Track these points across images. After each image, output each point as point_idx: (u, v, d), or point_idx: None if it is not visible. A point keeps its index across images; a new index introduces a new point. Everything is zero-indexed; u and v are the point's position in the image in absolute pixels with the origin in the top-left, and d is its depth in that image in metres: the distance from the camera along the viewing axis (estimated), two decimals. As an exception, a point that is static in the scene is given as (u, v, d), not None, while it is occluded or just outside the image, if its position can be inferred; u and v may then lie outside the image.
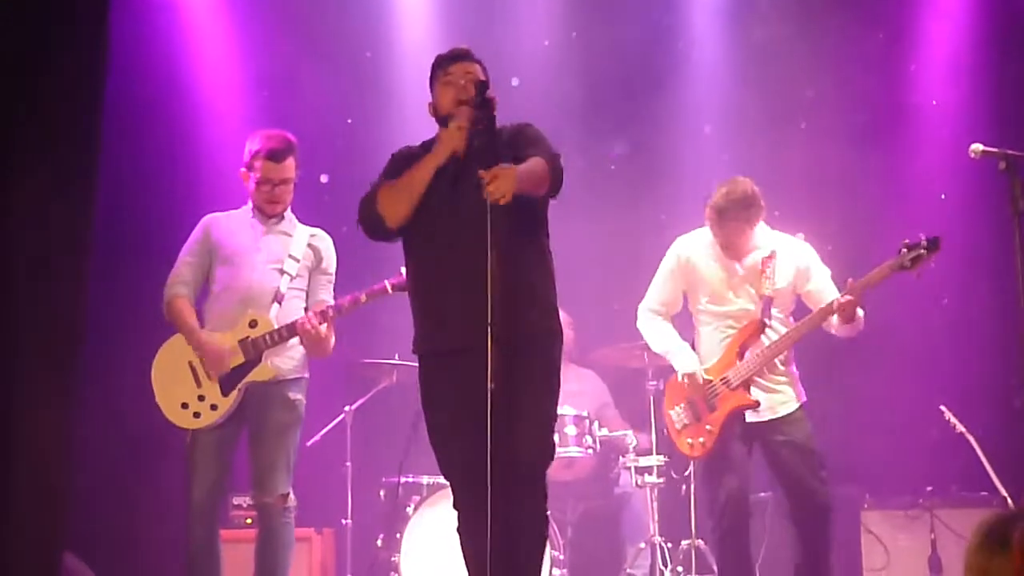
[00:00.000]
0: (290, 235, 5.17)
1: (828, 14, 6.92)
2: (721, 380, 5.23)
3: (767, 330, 5.24)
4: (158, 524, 5.98)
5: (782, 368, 5.27)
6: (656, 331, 5.48)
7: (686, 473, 5.57)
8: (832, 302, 5.10)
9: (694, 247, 5.41)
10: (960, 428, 5.99)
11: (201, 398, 4.96)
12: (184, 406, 4.96)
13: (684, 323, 5.51)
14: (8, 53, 4.25)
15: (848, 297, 5.03)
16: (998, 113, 6.62)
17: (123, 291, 5.86)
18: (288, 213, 5.22)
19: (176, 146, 6.60)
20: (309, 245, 5.18)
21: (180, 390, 4.97)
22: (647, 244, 6.96)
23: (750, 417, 5.22)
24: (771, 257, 5.27)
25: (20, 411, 4.24)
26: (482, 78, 4.11)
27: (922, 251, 4.94)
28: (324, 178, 6.83)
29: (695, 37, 7.34)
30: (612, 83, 7.13)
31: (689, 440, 5.28)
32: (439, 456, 4.08)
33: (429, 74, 4.23)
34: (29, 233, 4.32)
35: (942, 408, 6.06)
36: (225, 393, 4.96)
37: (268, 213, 5.16)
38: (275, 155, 5.11)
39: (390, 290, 4.97)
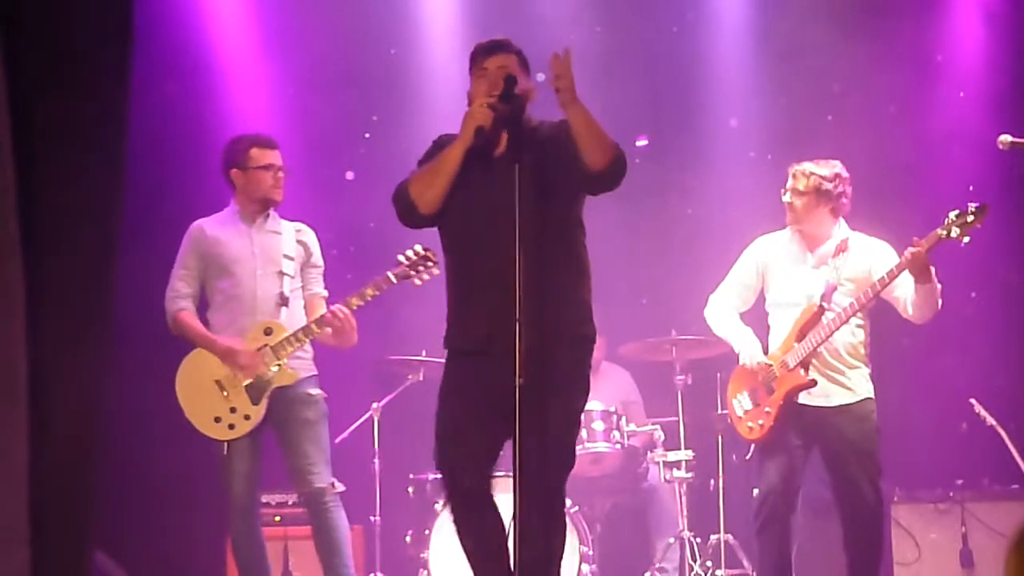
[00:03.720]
0: (280, 234, 5.19)
1: (854, 6, 6.87)
2: (780, 363, 5.17)
3: (830, 316, 5.11)
4: (189, 523, 6.00)
5: (850, 359, 5.16)
6: (719, 316, 5.43)
7: (747, 457, 5.52)
8: (891, 269, 4.98)
9: (771, 245, 5.36)
10: (991, 421, 5.95)
11: (233, 410, 5.03)
12: (217, 420, 5.02)
13: (755, 319, 5.46)
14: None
15: (915, 248, 4.88)
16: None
17: (147, 285, 5.86)
18: (272, 211, 5.23)
19: (203, 141, 6.61)
20: (298, 241, 5.20)
21: (211, 406, 5.04)
22: (674, 238, 6.97)
23: (804, 400, 5.12)
24: (842, 248, 5.20)
25: (47, 403, 4.26)
26: (515, 72, 4.02)
27: (970, 217, 4.83)
28: (350, 175, 6.85)
29: (719, 30, 7.31)
30: (637, 77, 7.10)
31: (749, 424, 5.24)
32: (445, 449, 3.95)
33: (468, 63, 4.15)
34: (56, 216, 4.33)
35: (972, 401, 6.03)
36: (255, 402, 5.03)
37: (274, 199, 5.16)
38: (269, 143, 5.16)
39: (394, 280, 4.98)
